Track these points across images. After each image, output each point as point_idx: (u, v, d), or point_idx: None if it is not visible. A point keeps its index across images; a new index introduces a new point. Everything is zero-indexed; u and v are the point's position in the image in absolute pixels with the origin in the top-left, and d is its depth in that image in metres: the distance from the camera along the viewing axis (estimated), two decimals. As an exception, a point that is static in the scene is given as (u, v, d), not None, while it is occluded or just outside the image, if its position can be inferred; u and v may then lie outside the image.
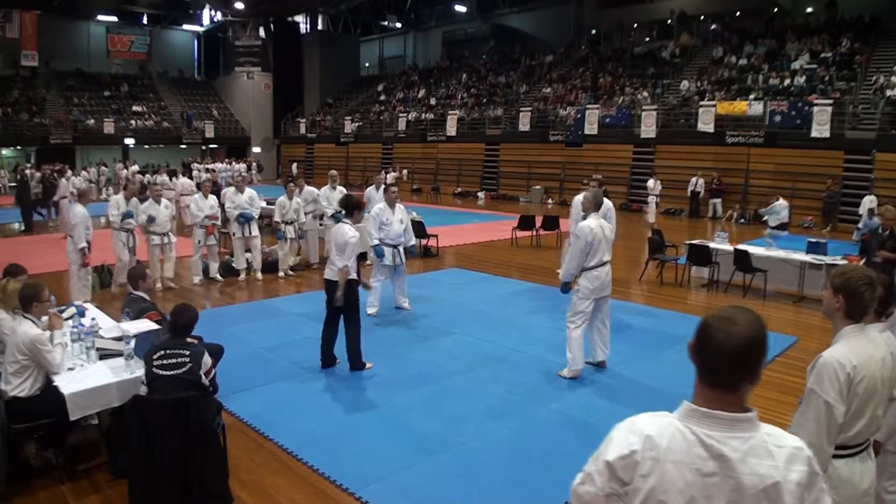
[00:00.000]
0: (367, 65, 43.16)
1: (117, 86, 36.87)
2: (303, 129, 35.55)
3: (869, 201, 14.64)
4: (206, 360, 3.72)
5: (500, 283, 9.73)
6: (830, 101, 17.43)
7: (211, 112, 37.68)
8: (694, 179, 19.12)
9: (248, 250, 10.01)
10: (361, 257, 6.92)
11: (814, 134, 17.18)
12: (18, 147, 31.86)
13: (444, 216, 18.11)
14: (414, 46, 41.35)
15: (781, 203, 12.08)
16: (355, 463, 4.15)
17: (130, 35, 38.78)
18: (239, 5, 35.61)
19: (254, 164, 33.41)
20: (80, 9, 35.71)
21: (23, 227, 15.73)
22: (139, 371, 3.93)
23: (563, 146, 23.25)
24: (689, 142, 20.07)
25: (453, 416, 4.88)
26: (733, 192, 19.11)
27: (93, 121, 32.88)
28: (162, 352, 3.61)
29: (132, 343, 4.10)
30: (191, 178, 19.96)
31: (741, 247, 9.47)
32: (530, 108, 25.11)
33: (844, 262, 8.39)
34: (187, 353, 3.61)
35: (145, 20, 40.01)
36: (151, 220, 8.89)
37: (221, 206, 10.13)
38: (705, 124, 19.47)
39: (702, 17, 27.84)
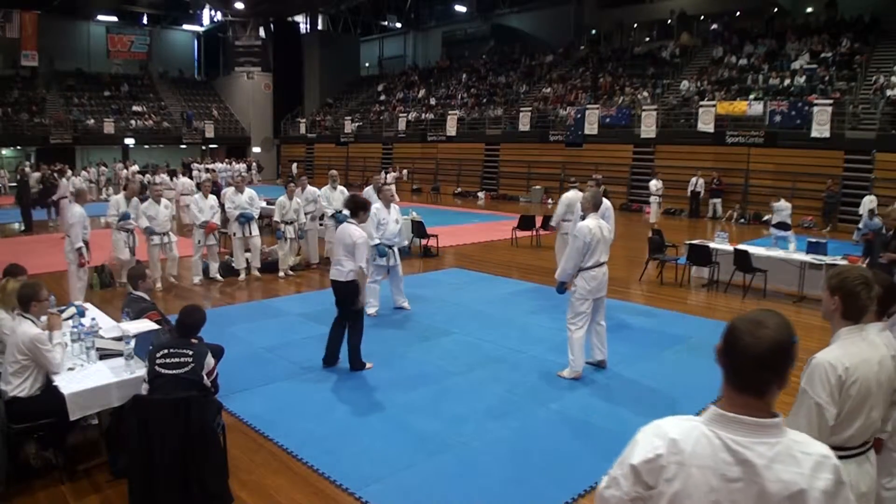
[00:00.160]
0: (367, 65, 43.16)
1: (117, 86, 36.88)
2: (303, 129, 35.54)
3: (869, 201, 14.64)
4: (210, 360, 3.72)
5: (500, 283, 9.73)
6: (830, 101, 17.43)
7: (211, 112, 37.68)
8: (694, 179, 19.12)
9: (248, 250, 10.02)
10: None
11: (814, 134, 17.18)
12: (18, 147, 31.85)
13: (444, 216, 18.11)
14: (414, 46, 41.35)
15: (782, 203, 12.10)
16: (355, 463, 4.15)
17: (130, 35, 38.78)
18: (239, 5, 35.62)
19: (254, 164, 33.40)
20: (80, 9, 35.71)
21: (23, 227, 15.74)
22: (139, 371, 3.93)
23: (563, 146, 23.25)
24: (689, 142, 20.07)
25: (453, 416, 4.88)
26: (733, 192, 19.11)
27: (93, 121, 32.88)
28: (165, 350, 3.62)
29: (132, 343, 4.10)
30: (191, 178, 19.95)
31: (741, 247, 9.47)
32: (530, 108, 25.11)
33: (844, 262, 8.39)
34: (190, 353, 3.62)
35: (145, 20, 40.02)
36: (150, 231, 8.91)
37: (221, 206, 10.14)
38: (705, 124, 19.48)
39: (702, 17, 27.83)
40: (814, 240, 9.62)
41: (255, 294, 9.05)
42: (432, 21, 40.27)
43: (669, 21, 28.14)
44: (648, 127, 20.77)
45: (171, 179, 18.28)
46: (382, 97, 34.63)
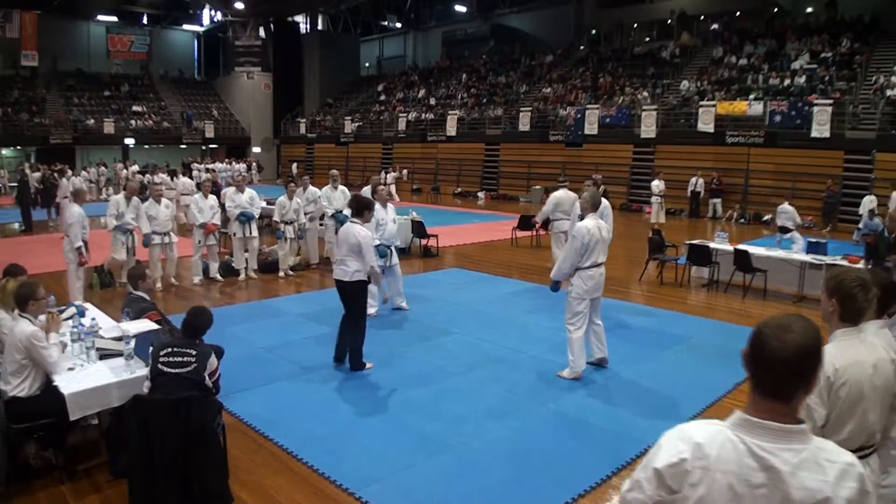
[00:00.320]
0: (367, 65, 43.16)
1: (117, 86, 36.88)
2: (303, 129, 35.54)
3: (869, 201, 14.64)
4: (213, 361, 3.72)
5: (500, 283, 9.73)
6: (830, 101, 17.43)
7: (211, 112, 37.68)
8: (694, 179, 19.11)
9: (247, 250, 10.01)
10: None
11: (814, 134, 17.18)
12: (18, 147, 31.85)
13: (444, 216, 18.11)
14: (414, 46, 41.35)
15: (785, 206, 12.05)
16: (355, 463, 4.15)
17: (130, 35, 38.78)
18: (239, 5, 35.62)
19: (254, 164, 33.40)
20: (80, 9, 35.71)
21: (23, 227, 15.74)
22: (139, 371, 3.94)
23: (563, 146, 23.25)
24: (689, 142, 20.06)
25: (453, 416, 4.88)
26: (733, 192, 19.11)
27: (93, 121, 32.88)
28: (169, 349, 3.62)
29: (132, 343, 4.10)
30: (191, 178, 19.96)
31: (741, 247, 9.47)
32: (530, 108, 25.11)
33: (844, 262, 8.39)
34: (194, 353, 3.62)
35: (145, 20, 40.02)
36: (147, 241, 8.91)
37: (222, 206, 10.14)
38: (705, 124, 19.47)
39: (702, 17, 27.83)
40: (814, 240, 9.63)
41: (255, 294, 9.05)
42: (432, 21, 40.27)
43: (669, 21, 28.14)
44: (648, 127, 20.76)
45: (172, 179, 18.28)
46: (382, 97, 34.63)
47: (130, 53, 38.75)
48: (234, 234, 9.82)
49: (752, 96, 19.73)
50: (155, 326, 4.52)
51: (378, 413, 4.97)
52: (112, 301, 8.05)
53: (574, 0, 31.32)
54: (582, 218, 5.81)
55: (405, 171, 27.21)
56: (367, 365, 5.85)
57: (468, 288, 9.38)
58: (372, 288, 7.55)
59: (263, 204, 11.37)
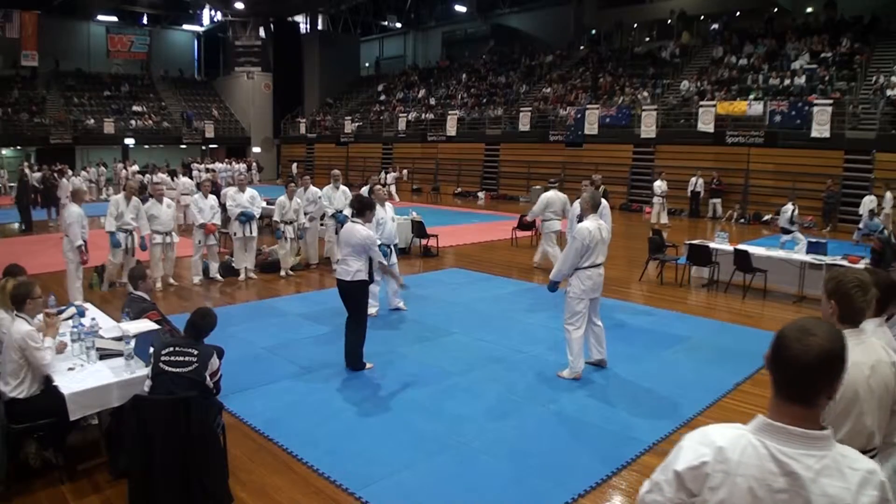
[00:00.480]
0: (367, 65, 43.16)
1: (117, 86, 36.88)
2: (303, 129, 35.54)
3: (869, 201, 14.64)
4: (214, 361, 3.72)
5: (500, 283, 9.73)
6: (830, 101, 17.43)
7: (211, 112, 37.67)
8: (694, 179, 19.10)
9: (247, 250, 10.00)
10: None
11: (814, 134, 17.18)
12: (18, 147, 31.85)
13: (444, 216, 18.11)
14: (414, 46, 41.36)
15: (786, 206, 12.05)
16: (355, 463, 4.15)
17: (130, 35, 38.79)
18: (239, 5, 35.62)
19: (254, 164, 33.39)
20: (80, 9, 35.72)
21: (23, 227, 15.74)
22: (139, 371, 3.94)
23: (563, 146, 23.25)
24: (689, 142, 20.06)
25: (453, 416, 4.88)
26: (733, 192, 19.11)
27: (93, 121, 32.88)
28: (171, 348, 3.63)
29: (132, 343, 4.10)
30: (191, 178, 19.95)
31: (741, 247, 9.47)
32: (530, 108, 25.11)
33: (844, 262, 8.39)
34: (195, 353, 3.62)
35: (145, 20, 40.02)
36: (143, 247, 8.81)
37: (222, 206, 10.13)
38: (705, 124, 19.47)
39: (702, 17, 27.82)
40: (814, 240, 9.63)
41: (255, 294, 9.05)
42: (432, 21, 40.27)
43: (669, 21, 28.13)
44: (648, 127, 20.76)
45: (172, 179, 18.28)
46: (382, 97, 34.63)
47: (130, 53, 38.76)
48: (235, 234, 9.82)
49: (752, 96, 19.73)
50: (155, 326, 4.52)
51: (378, 413, 4.97)
52: (112, 301, 8.05)
53: (574, 0, 31.33)
54: (581, 219, 5.81)
55: (405, 171, 27.21)
56: (367, 365, 5.85)
57: (468, 288, 9.38)
58: (373, 288, 7.57)
59: (264, 204, 11.37)
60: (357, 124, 32.36)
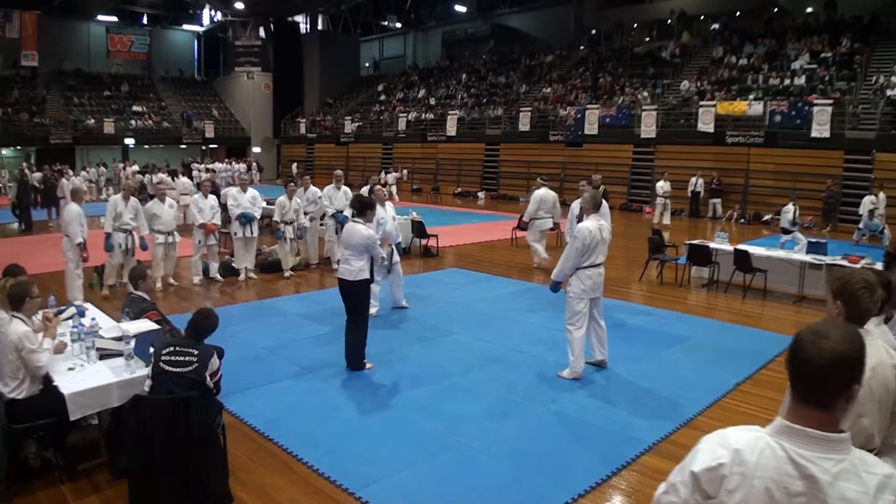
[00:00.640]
0: (367, 65, 43.17)
1: (117, 86, 36.88)
2: (303, 129, 35.54)
3: (869, 202, 14.64)
4: (214, 361, 3.72)
5: (500, 283, 9.73)
6: (830, 101, 17.43)
7: (211, 112, 37.67)
8: (694, 179, 19.10)
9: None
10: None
11: (814, 134, 17.18)
12: (18, 147, 31.86)
13: (444, 216, 18.11)
14: (414, 46, 41.37)
15: (787, 206, 12.05)
16: (355, 463, 4.15)
17: (130, 35, 38.81)
18: (239, 5, 35.62)
19: (254, 164, 33.39)
20: (80, 9, 35.73)
21: (23, 227, 15.74)
22: (139, 371, 3.94)
23: (563, 146, 23.25)
24: (689, 142, 20.06)
25: (453, 416, 4.88)
26: (733, 192, 19.11)
27: (93, 121, 32.88)
28: (172, 348, 3.63)
29: (132, 343, 4.10)
30: (191, 178, 19.95)
31: (741, 247, 9.47)
32: (530, 108, 25.11)
33: (844, 262, 8.39)
34: (196, 353, 3.62)
35: (145, 20, 40.04)
36: (144, 247, 8.79)
37: (222, 206, 10.12)
38: (705, 124, 19.47)
39: (702, 17, 27.83)
40: (814, 240, 9.63)
41: (255, 294, 9.05)
42: (432, 21, 40.28)
43: (669, 21, 28.14)
44: (648, 127, 20.76)
45: (172, 179, 18.30)
46: (382, 97, 34.63)
47: (130, 53, 38.77)
48: (235, 234, 9.82)
49: (752, 96, 19.73)
50: (155, 326, 4.52)
51: (378, 413, 4.97)
52: (112, 301, 8.05)
53: (574, 0, 31.33)
54: (580, 220, 5.81)
55: (405, 171, 27.21)
56: (367, 365, 5.85)
57: (468, 288, 9.38)
58: (374, 288, 7.58)
59: (265, 204, 11.37)
60: (357, 124, 32.36)
